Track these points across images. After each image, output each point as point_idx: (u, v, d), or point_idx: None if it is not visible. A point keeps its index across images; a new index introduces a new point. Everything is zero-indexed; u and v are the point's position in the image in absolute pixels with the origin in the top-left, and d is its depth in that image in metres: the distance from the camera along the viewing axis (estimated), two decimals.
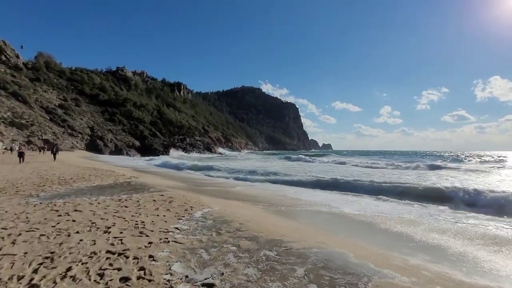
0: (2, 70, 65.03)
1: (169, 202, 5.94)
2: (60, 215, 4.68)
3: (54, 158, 22.37)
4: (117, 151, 63.67)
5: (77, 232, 3.73)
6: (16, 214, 4.80)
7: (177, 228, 3.91)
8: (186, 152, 76.94)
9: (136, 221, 4.30)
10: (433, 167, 23.04)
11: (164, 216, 4.65)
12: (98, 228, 3.93)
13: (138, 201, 6.00)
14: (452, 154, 77.14)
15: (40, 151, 38.77)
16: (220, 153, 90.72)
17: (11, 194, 6.69)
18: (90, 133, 64.66)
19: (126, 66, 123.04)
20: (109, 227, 3.94)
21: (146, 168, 23.56)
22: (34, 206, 5.44)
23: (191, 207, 5.44)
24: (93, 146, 60.93)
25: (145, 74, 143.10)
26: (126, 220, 4.33)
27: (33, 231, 3.81)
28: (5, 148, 32.06)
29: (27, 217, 4.55)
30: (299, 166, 26.91)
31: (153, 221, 4.28)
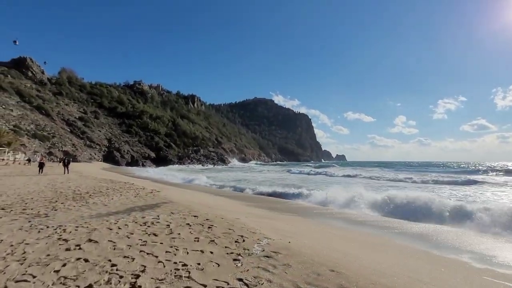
0: (28, 85, 68.14)
1: (208, 227, 4.55)
2: (68, 249, 3.39)
3: (66, 170, 19.15)
4: (133, 162, 63.96)
5: (89, 287, 2.39)
6: (12, 245, 3.56)
7: (241, 280, 2.49)
8: (199, 164, 76.51)
9: (175, 262, 2.92)
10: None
11: (211, 253, 3.24)
12: (120, 277, 2.57)
13: (168, 225, 4.64)
14: (484, 165, 72.03)
15: (60, 162, 39.11)
16: (234, 165, 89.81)
17: (17, 213, 5.56)
18: (107, 144, 65.62)
19: (143, 80, 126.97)
20: (137, 276, 2.58)
21: (164, 179, 22.54)
22: (39, 232, 4.21)
23: (241, 236, 4.02)
24: (110, 158, 61.57)
25: (160, 87, 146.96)
26: (160, 261, 2.96)
27: (25, 281, 2.51)
28: (28, 160, 32.52)
29: (24, 252, 3.29)
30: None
31: (199, 264, 2.88)
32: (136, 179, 18.12)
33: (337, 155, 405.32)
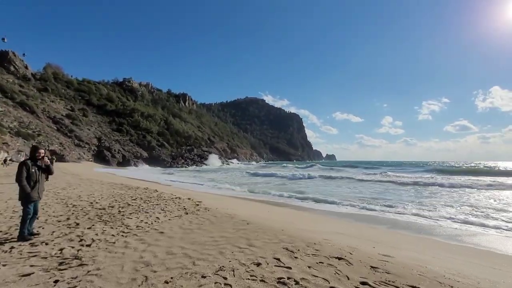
0: (11, 80, 63.77)
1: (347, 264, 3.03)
2: None
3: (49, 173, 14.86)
4: (125, 162, 61.07)
5: None
6: None
7: None
8: (194, 165, 74.24)
9: None
10: None
11: None
12: None
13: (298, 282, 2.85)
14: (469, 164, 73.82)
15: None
16: (232, 163, 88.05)
17: (23, 255, 3.63)
18: (97, 143, 62.37)
19: (133, 78, 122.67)
20: None
21: (176, 182, 20.59)
22: None
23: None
24: (100, 157, 58.45)
25: (150, 85, 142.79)
26: None
27: None
28: (4, 160, 27.74)
29: None
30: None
31: None
32: (147, 183, 16.34)
33: (327, 154, 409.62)
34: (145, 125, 79.89)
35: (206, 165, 75.97)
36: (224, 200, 10.43)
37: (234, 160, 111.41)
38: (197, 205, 7.93)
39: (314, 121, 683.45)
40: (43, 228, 4.99)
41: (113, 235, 4.66)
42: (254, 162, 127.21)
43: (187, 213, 6.70)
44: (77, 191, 10.23)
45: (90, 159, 55.86)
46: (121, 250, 3.84)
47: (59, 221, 5.58)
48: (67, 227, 5.15)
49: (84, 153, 56.00)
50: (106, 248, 3.89)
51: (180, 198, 8.96)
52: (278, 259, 3.46)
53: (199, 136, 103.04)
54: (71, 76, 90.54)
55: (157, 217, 6.17)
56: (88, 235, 4.60)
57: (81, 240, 4.29)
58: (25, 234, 4.26)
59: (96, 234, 4.66)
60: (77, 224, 5.41)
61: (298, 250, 3.88)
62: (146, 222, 5.68)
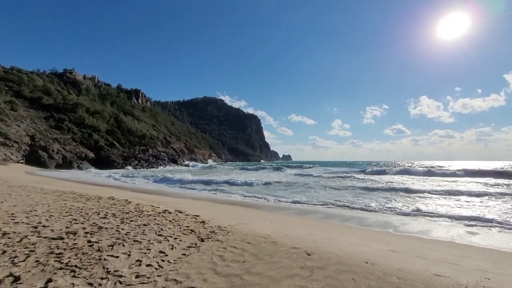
0: None
1: None
2: None
3: None
4: (66, 164, 53.88)
5: None
6: None
7: None
8: (143, 167, 69.62)
9: None
10: None
11: None
12: None
13: None
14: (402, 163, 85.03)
15: None
16: (187, 165, 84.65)
17: None
18: (30, 142, 53.82)
19: (74, 69, 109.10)
20: None
21: (142, 187, 18.93)
22: None
23: None
24: (34, 158, 50.49)
25: (96, 79, 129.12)
26: None
27: None
28: None
29: None
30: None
31: None
32: (105, 189, 14.62)
33: (283, 155, 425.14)
34: (91, 122, 71.98)
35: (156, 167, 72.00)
36: (217, 209, 9.42)
37: (210, 161, 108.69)
38: (203, 222, 6.08)
39: (271, 122, 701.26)
40: None
41: None
42: (211, 161, 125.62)
43: (202, 240, 4.73)
44: (6, 205, 6.93)
45: (21, 161, 48.10)
46: None
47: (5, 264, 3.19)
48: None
49: (12, 154, 47.83)
50: None
51: (169, 212, 7.05)
52: None
53: (154, 136, 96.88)
54: None
55: (160, 251, 4.03)
56: None
57: None
58: None
59: None
60: (16, 279, 2.88)
61: None
62: (149, 265, 3.47)
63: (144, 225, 5.57)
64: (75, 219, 5.76)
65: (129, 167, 62.44)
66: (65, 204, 7.62)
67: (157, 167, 68.41)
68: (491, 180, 21.87)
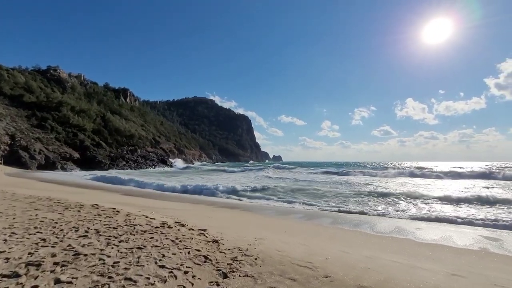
0: None
1: None
2: None
3: None
4: (49, 165, 51.45)
5: None
6: None
7: None
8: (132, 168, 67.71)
9: None
10: None
11: None
12: None
13: None
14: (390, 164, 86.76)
15: None
16: (177, 166, 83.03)
17: None
18: (9, 142, 51.12)
19: (60, 66, 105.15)
20: None
21: (137, 192, 17.99)
22: None
23: None
24: (14, 159, 47.94)
25: (83, 77, 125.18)
26: None
27: None
28: None
29: None
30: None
31: None
32: (88, 191, 13.69)
33: (274, 155, 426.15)
34: (76, 121, 69.33)
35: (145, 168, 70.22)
36: (214, 219, 8.24)
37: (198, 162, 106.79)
38: (217, 242, 4.61)
39: (261, 123, 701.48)
40: None
41: None
42: (198, 162, 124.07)
43: (225, 275, 3.24)
44: None
45: (0, 162, 45.57)
46: None
47: None
48: None
49: None
50: None
51: (169, 227, 5.51)
52: None
53: (143, 136, 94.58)
54: None
55: None
56: None
57: None
58: None
59: None
60: None
61: None
62: None
63: (139, 248, 4.05)
64: (44, 239, 4.19)
65: (116, 168, 60.47)
66: (36, 215, 6.07)
67: (146, 168, 66.66)
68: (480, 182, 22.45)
